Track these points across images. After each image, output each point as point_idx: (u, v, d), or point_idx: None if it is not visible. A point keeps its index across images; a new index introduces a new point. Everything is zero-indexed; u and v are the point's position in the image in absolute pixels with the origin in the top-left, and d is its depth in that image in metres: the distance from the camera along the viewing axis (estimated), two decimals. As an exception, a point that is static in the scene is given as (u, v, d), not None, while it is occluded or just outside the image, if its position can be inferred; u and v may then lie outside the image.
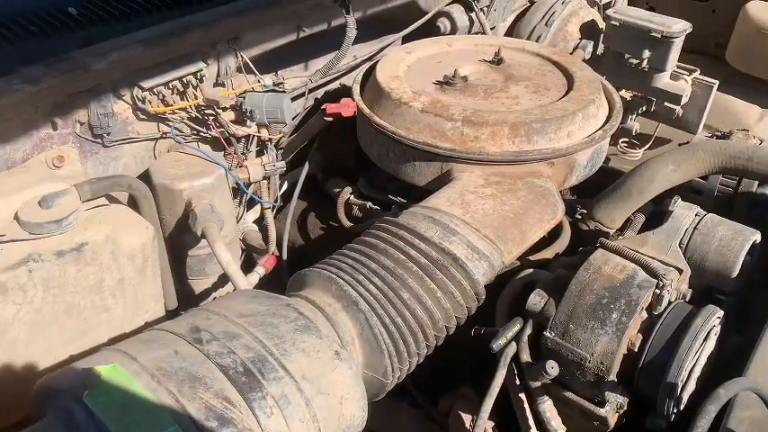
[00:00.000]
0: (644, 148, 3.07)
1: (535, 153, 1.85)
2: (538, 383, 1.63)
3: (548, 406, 1.63)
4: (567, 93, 2.07)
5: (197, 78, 1.87)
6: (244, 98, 1.96)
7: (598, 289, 1.57)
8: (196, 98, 1.90)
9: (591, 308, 1.55)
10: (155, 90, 1.80)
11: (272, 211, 2.28)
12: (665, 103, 2.86)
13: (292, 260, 2.20)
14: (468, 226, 1.62)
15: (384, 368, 1.38)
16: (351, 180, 2.26)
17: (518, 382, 1.70)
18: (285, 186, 2.34)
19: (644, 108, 2.98)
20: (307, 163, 2.27)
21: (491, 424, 1.87)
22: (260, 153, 2.14)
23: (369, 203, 2.14)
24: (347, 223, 2.12)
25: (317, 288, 1.44)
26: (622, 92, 3.02)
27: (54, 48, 1.71)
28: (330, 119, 2.04)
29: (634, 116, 3.06)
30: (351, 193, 2.21)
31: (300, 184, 2.23)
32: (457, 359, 1.85)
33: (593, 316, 1.54)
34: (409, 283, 1.46)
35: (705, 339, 1.52)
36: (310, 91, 2.25)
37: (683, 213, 1.77)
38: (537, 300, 1.66)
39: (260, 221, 2.31)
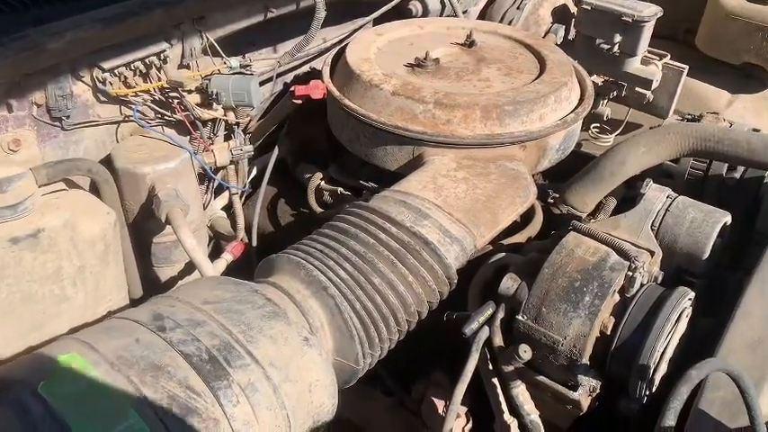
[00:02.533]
0: (615, 134, 3.07)
1: (507, 136, 1.83)
2: (510, 368, 1.62)
3: (520, 390, 1.61)
4: (539, 75, 2.05)
5: (160, 60, 1.81)
6: (210, 80, 1.89)
7: (570, 272, 1.55)
8: (160, 80, 1.84)
9: (563, 291, 1.54)
10: (116, 71, 1.73)
11: (242, 197, 2.23)
12: (636, 88, 2.87)
13: (262, 247, 2.15)
14: (440, 210, 1.59)
15: (355, 354, 1.35)
16: (322, 165, 2.22)
17: (491, 366, 1.68)
18: (255, 172, 2.28)
19: (615, 93, 2.98)
20: (276, 148, 2.22)
21: (464, 409, 1.86)
22: (228, 138, 2.08)
23: (339, 189, 2.10)
24: (318, 209, 2.08)
25: (286, 274, 1.40)
26: (594, 77, 3.03)
27: (5, 27, 1.63)
28: (299, 101, 1.99)
29: (605, 101, 3.06)
30: (321, 179, 2.16)
31: (270, 170, 2.18)
32: (430, 345, 1.83)
33: (566, 299, 1.53)
34: (380, 267, 1.43)
35: (677, 321, 1.52)
36: (279, 75, 2.20)
37: (655, 196, 1.76)
38: (509, 284, 1.64)
39: (228, 208, 2.26)
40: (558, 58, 2.14)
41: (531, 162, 1.93)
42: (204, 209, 2.10)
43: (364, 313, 1.37)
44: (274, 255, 1.46)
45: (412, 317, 1.46)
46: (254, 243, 2.12)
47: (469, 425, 1.89)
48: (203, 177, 2.04)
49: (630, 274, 1.53)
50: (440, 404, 1.93)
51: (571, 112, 1.98)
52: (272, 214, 2.28)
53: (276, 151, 2.22)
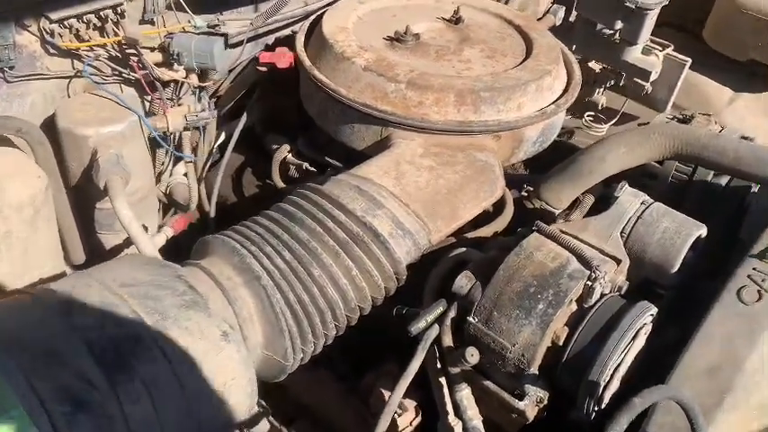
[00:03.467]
0: (609, 124, 2.96)
1: (480, 124, 1.72)
2: (457, 370, 1.55)
3: (465, 394, 1.54)
4: (523, 61, 1.93)
5: (117, 14, 1.69)
6: (172, 39, 1.78)
7: (527, 276, 1.47)
8: (117, 35, 1.72)
9: (517, 296, 1.45)
10: (65, 23, 1.62)
11: (205, 165, 2.13)
12: (635, 79, 2.75)
13: (222, 219, 2.07)
14: (396, 199, 1.50)
15: (284, 349, 1.27)
16: (291, 137, 2.11)
17: (439, 365, 1.61)
18: (222, 138, 2.18)
19: (612, 82, 2.86)
20: (244, 115, 2.12)
21: (413, 403, 1.81)
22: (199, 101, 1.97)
23: (305, 164, 2.00)
24: (280, 184, 1.98)
25: (219, 258, 1.31)
26: (592, 63, 2.89)
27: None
28: (263, 69, 1.88)
29: (602, 90, 2.94)
30: (289, 152, 2.06)
31: (235, 138, 2.08)
32: (387, 333, 1.76)
33: (519, 305, 1.44)
34: (322, 258, 1.35)
35: (634, 337, 1.43)
36: (253, 38, 2.07)
37: (629, 200, 1.66)
38: (463, 282, 1.55)
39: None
40: (546, 42, 2.01)
41: (505, 153, 1.83)
42: (164, 174, 2.01)
43: (298, 306, 1.29)
44: (210, 236, 1.37)
45: (352, 313, 1.38)
46: (213, 214, 2.04)
47: (418, 419, 1.83)
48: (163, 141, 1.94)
49: (590, 284, 1.45)
50: (388, 396, 1.87)
51: (553, 102, 1.87)
52: (236, 184, 2.19)
53: (244, 118, 2.11)
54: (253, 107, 2.14)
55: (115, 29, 1.71)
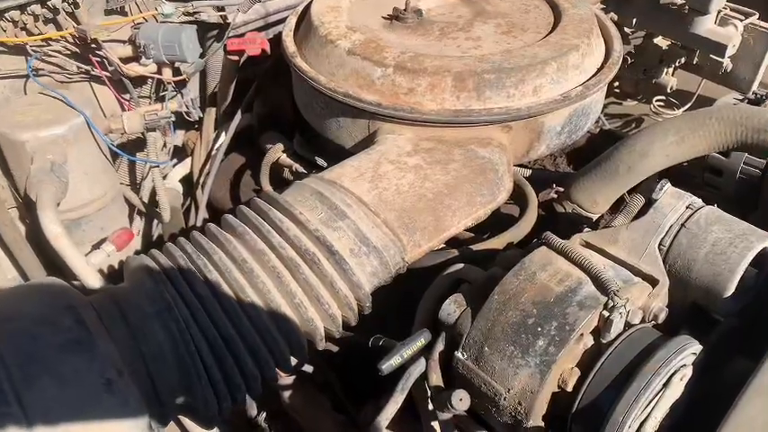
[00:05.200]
0: (683, 109, 2.57)
1: (483, 113, 1.42)
2: (447, 415, 1.27)
3: (456, 446, 1.26)
4: (546, 36, 1.60)
5: (70, 4, 1.52)
6: (138, 30, 1.59)
7: (525, 303, 1.16)
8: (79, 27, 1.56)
9: (512, 328, 1.15)
10: (7, 16, 1.46)
11: (203, 168, 1.94)
12: (710, 55, 2.34)
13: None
14: (363, 208, 1.23)
15: (202, 396, 1.04)
16: (289, 136, 1.89)
17: (431, 406, 1.33)
18: (222, 139, 1.99)
19: (683, 60, 2.46)
20: (239, 113, 1.91)
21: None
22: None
23: (295, 166, 1.76)
24: (267, 187, 1.75)
25: (133, 282, 1.09)
26: (658, 39, 2.50)
27: None
28: (234, 57, 1.65)
29: (671, 69, 2.55)
30: (284, 152, 1.83)
31: (228, 139, 1.88)
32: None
33: (514, 340, 1.14)
34: (258, 282, 1.10)
35: (666, 384, 1.09)
36: (245, 24, 1.85)
37: (670, 204, 1.31)
38: (451, 309, 1.27)
39: (187, 179, 1.99)
40: (578, 13, 1.66)
41: (520, 148, 1.51)
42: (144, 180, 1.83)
43: (221, 343, 1.05)
44: (134, 255, 1.16)
45: (297, 350, 1.12)
46: (200, 223, 1.84)
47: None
48: (140, 145, 1.76)
49: (607, 314, 1.12)
50: (386, 435, 1.61)
51: (582, 84, 1.53)
52: (234, 189, 1.99)
53: (238, 117, 1.91)
54: (254, 103, 1.94)
55: (72, 21, 1.54)
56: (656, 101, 2.63)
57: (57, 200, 1.33)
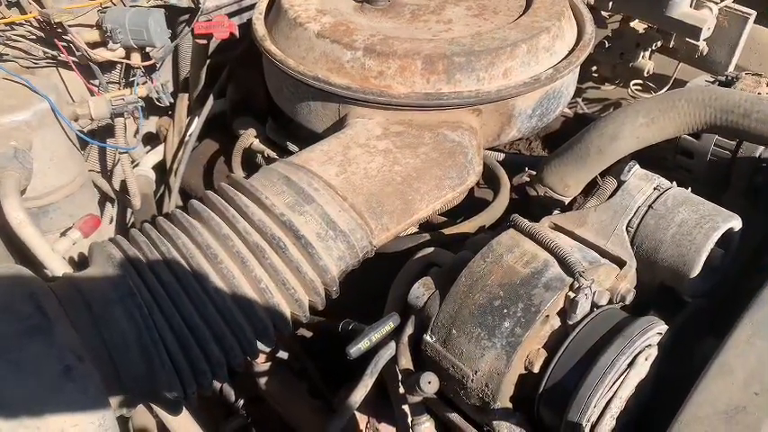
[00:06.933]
0: (660, 93, 2.57)
1: (452, 96, 1.41)
2: (417, 398, 1.27)
3: (425, 428, 1.26)
4: (517, 18, 1.59)
5: (30, -15, 1.49)
6: (104, 14, 1.57)
7: (492, 285, 1.16)
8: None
9: (479, 310, 1.15)
10: (-34, 0, 1.44)
11: (176, 155, 1.92)
12: (685, 38, 2.34)
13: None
14: (331, 192, 1.22)
15: (166, 382, 1.03)
16: (262, 120, 1.87)
17: (401, 389, 1.34)
18: (195, 124, 1.97)
19: (660, 43, 2.46)
20: (210, 98, 1.89)
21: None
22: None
23: (268, 151, 1.75)
24: (239, 173, 1.74)
25: (96, 268, 1.08)
26: (634, 23, 2.49)
27: None
28: (203, 41, 1.63)
29: (647, 53, 2.54)
30: (256, 137, 1.82)
31: (200, 124, 1.86)
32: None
33: (481, 322, 1.14)
34: (223, 268, 1.09)
35: (630, 364, 1.10)
36: (217, 9, 1.83)
37: (638, 186, 1.31)
38: (420, 292, 1.27)
39: (160, 165, 1.97)
40: (551, -6, 1.66)
41: (491, 131, 1.51)
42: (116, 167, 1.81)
43: (185, 329, 1.04)
44: (99, 241, 1.14)
45: (264, 337, 1.12)
46: (172, 208, 1.82)
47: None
48: (109, 130, 1.73)
49: (573, 295, 1.12)
50: (362, 419, 1.62)
51: (552, 66, 1.52)
52: (207, 175, 1.97)
53: (210, 102, 1.89)
54: (223, 88, 1.91)
55: (36, 5, 1.51)
56: (634, 85, 2.63)
57: (20, 187, 1.32)
